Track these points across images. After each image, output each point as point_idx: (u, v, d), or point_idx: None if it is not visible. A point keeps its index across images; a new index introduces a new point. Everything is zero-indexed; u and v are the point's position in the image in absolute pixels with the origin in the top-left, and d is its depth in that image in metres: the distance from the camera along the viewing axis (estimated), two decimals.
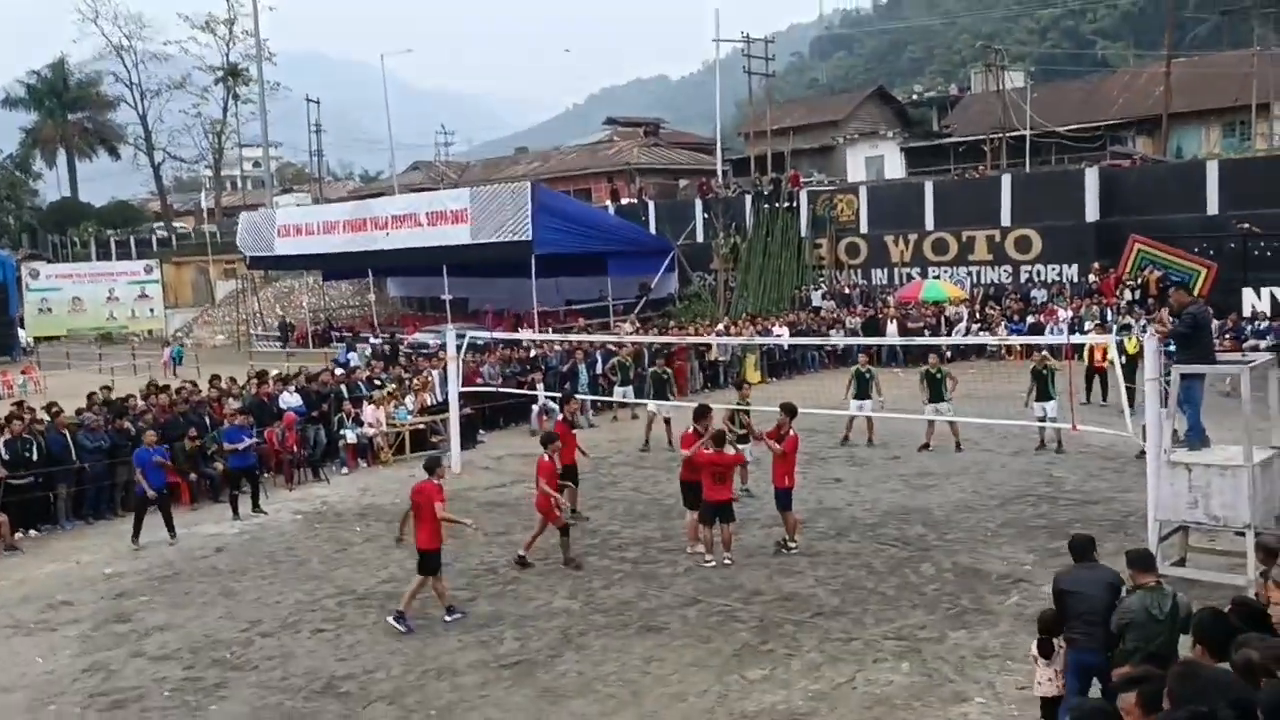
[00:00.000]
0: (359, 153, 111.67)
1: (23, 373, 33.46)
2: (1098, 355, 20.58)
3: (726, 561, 12.31)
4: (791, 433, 12.77)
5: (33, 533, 15.68)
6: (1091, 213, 31.77)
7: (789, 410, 12.90)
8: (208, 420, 17.97)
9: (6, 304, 45.98)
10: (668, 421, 19.21)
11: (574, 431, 15.16)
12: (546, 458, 12.70)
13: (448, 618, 10.92)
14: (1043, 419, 17.43)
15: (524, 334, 26.10)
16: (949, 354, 19.42)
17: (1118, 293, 29.60)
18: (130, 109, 70.68)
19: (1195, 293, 24.34)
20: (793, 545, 12.65)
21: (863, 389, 18.70)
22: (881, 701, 8.58)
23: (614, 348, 23.72)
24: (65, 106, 72.06)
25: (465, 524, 11.74)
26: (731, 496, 12.76)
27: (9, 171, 71.37)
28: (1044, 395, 17.43)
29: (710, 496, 12.37)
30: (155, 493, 14.75)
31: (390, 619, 10.77)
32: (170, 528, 14.90)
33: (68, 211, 72.24)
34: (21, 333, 46.62)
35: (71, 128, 71.90)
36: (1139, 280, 29.71)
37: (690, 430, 13.22)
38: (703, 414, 13.36)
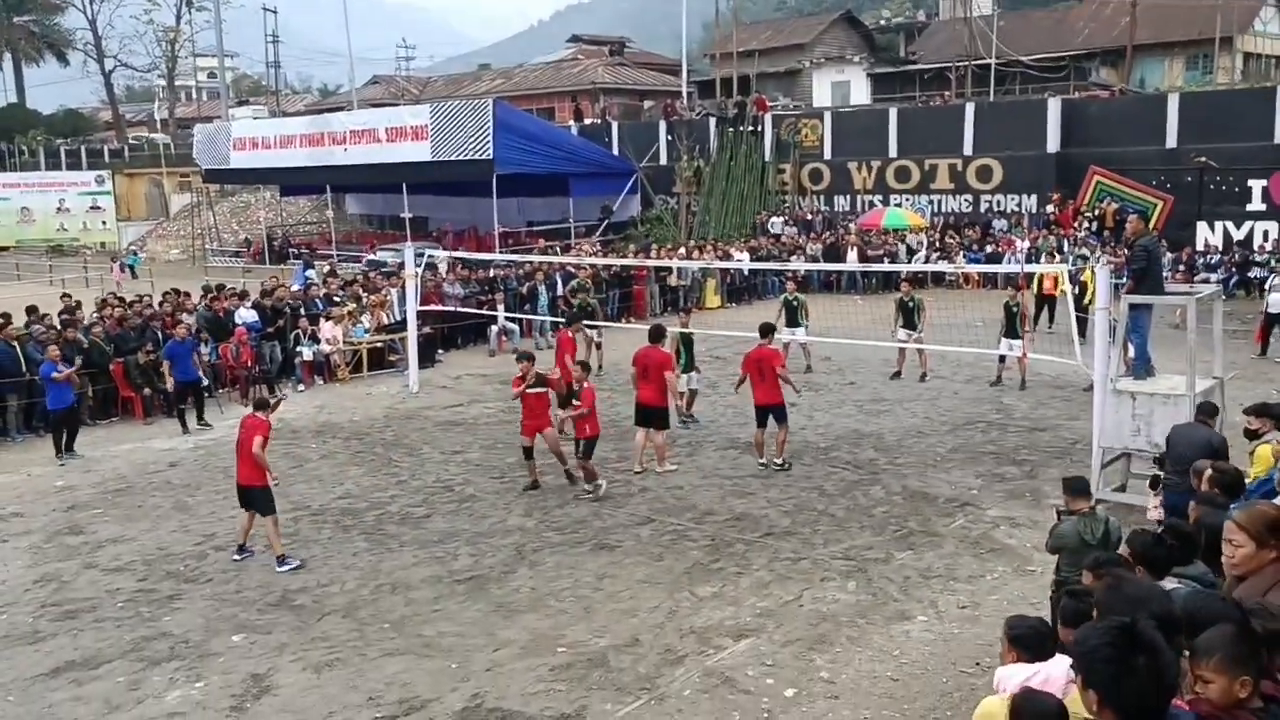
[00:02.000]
0: (318, 66, 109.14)
1: None
2: (1048, 283, 20.77)
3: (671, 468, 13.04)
4: (587, 384, 12.49)
5: None
6: (1053, 143, 31.85)
7: (584, 367, 13.17)
8: (160, 336, 17.76)
9: None
10: (599, 346, 19.16)
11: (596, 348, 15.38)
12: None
13: (235, 555, 10.55)
14: (1004, 358, 17.19)
15: (484, 254, 25.92)
16: (902, 283, 19.37)
17: (1075, 224, 29.85)
18: (79, 13, 68.52)
19: (1151, 226, 24.59)
20: (596, 486, 12.22)
21: (791, 317, 18.45)
22: (827, 619, 8.79)
23: (574, 269, 23.64)
24: (10, 8, 69.46)
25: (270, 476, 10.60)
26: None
27: None
28: (1012, 333, 17.00)
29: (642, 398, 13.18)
30: (59, 411, 14.67)
31: (278, 569, 10.23)
32: (70, 446, 14.78)
33: (14, 118, 70.03)
34: None
35: (17, 30, 69.44)
36: (1096, 211, 29.97)
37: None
38: (658, 335, 13.46)
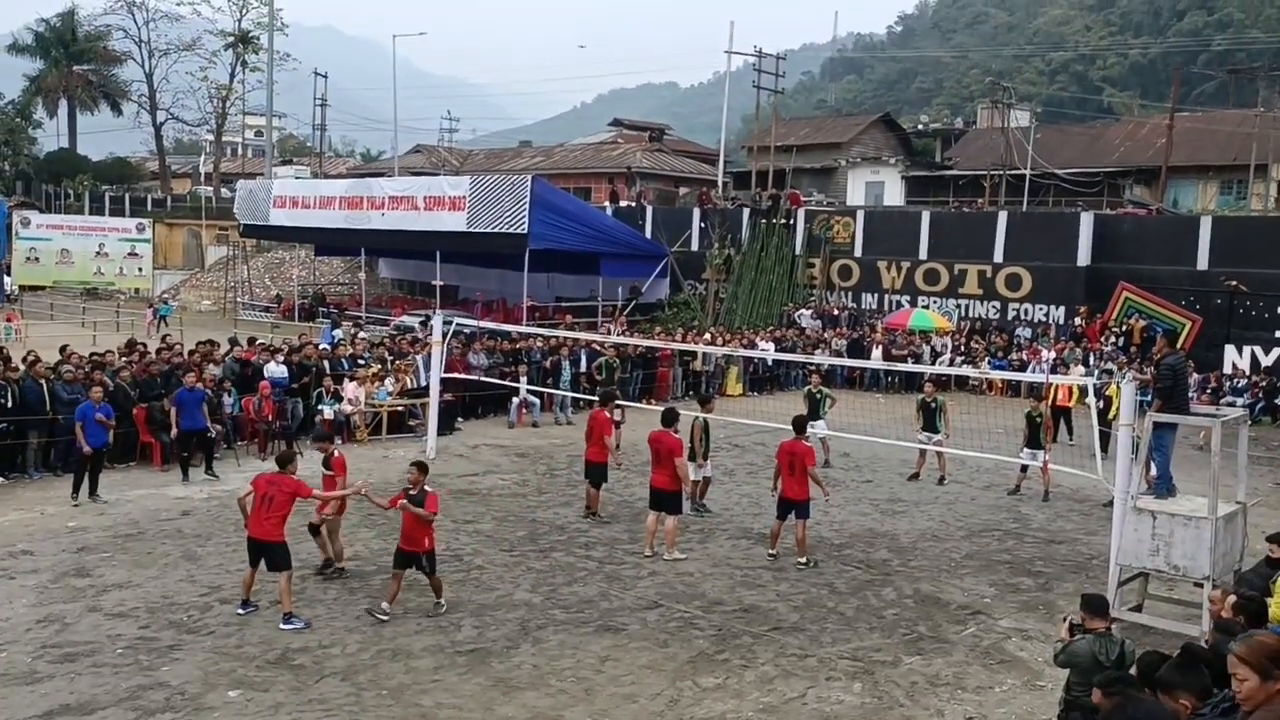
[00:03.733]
0: (363, 131, 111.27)
1: (7, 319, 33.24)
2: (1061, 395, 20.66)
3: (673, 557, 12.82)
4: (429, 490, 10.82)
5: (0, 480, 15.62)
6: (1084, 257, 31.98)
7: (421, 467, 11.03)
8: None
9: None
10: (618, 425, 19.01)
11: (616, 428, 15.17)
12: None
13: (240, 609, 10.55)
14: (1026, 467, 17.08)
15: (510, 326, 26.10)
16: (925, 384, 19.30)
17: (1102, 338, 29.83)
18: (137, 66, 70.34)
19: (1179, 345, 24.54)
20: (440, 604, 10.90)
21: (813, 410, 18.22)
22: (830, 719, 8.63)
23: (599, 347, 23.76)
24: (71, 57, 71.56)
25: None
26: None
27: (9, 117, 70.82)
28: (1034, 443, 16.95)
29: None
30: (91, 449, 14.69)
31: (282, 625, 10.21)
32: (94, 490, 14.79)
33: (65, 162, 71.73)
34: (6, 279, 46.32)
35: (76, 79, 71.42)
36: (1124, 327, 29.96)
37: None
38: (671, 419, 13.43)
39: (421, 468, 10.96)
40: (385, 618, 10.44)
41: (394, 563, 10.78)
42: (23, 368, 16.75)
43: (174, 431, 16.23)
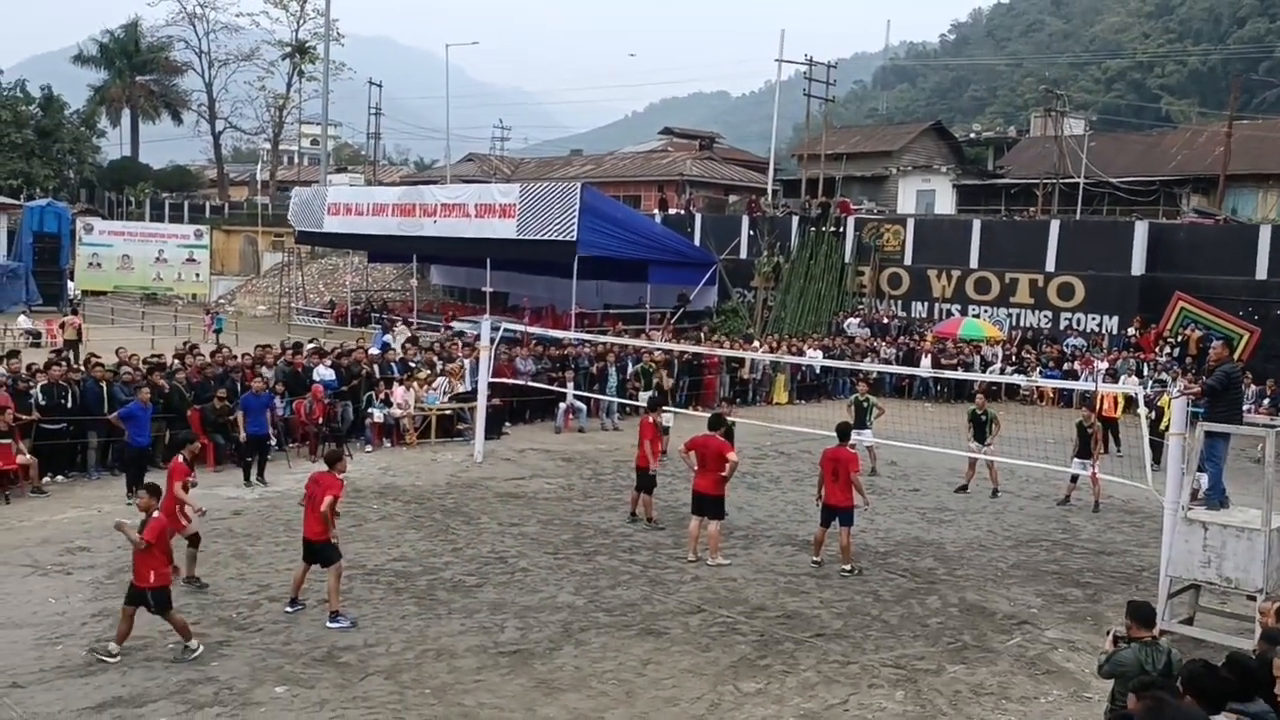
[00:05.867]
0: (417, 140, 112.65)
1: (59, 326, 33.93)
2: (1107, 405, 20.37)
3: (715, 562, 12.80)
4: (156, 514, 9.62)
5: (60, 478, 16.02)
6: (1138, 266, 31.51)
7: (152, 490, 9.92)
8: (237, 386, 18.22)
9: (58, 255, 46.71)
10: (665, 431, 18.98)
11: (662, 435, 15.12)
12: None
13: (288, 607, 10.70)
14: (1076, 478, 16.98)
15: (557, 331, 26.23)
16: (976, 395, 19.07)
17: (1156, 348, 29.36)
18: (197, 76, 71.86)
19: (1235, 356, 24.11)
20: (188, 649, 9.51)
21: (860, 418, 18.15)
22: None
23: (644, 353, 23.80)
24: (134, 68, 73.25)
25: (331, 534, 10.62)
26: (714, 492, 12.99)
27: (74, 127, 72.55)
28: (1085, 453, 16.79)
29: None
30: (136, 449, 15.00)
31: (329, 624, 10.34)
32: (136, 485, 15.00)
33: (127, 171, 73.41)
34: (70, 285, 47.35)
35: (138, 89, 73.08)
36: (1180, 338, 29.47)
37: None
38: (717, 423, 13.44)
39: (153, 490, 9.86)
40: (112, 660, 9.26)
41: (125, 599, 9.58)
42: (83, 369, 17.16)
43: (241, 436, 16.47)
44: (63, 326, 30.95)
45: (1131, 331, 30.51)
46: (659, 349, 23.50)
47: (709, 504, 12.97)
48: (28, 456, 15.28)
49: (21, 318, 35.30)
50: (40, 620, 10.23)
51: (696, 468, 13.09)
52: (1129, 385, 21.19)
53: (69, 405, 16.24)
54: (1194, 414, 12.81)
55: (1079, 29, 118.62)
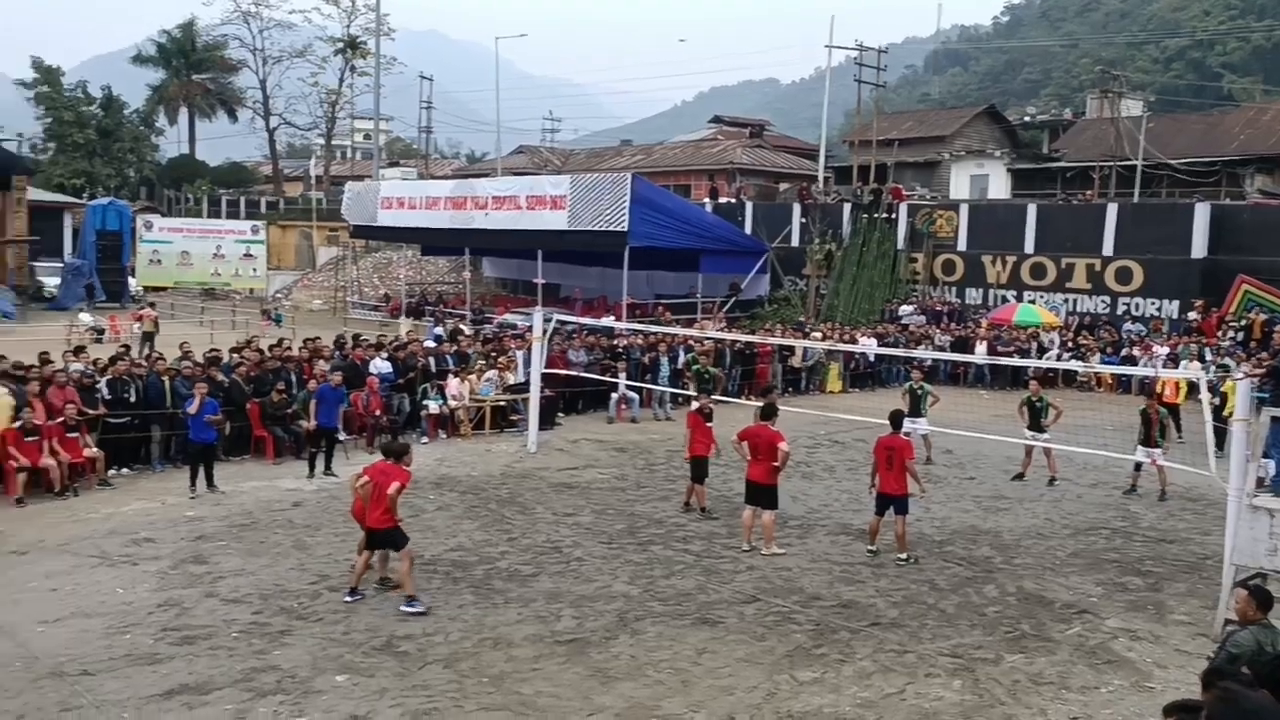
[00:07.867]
0: (468, 133, 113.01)
1: (136, 319, 34.59)
2: (1169, 391, 19.99)
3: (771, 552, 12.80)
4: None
5: (125, 471, 16.39)
6: (1199, 249, 30.90)
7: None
8: (294, 379, 18.50)
9: (120, 252, 47.67)
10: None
11: (708, 425, 15.01)
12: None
13: (347, 597, 10.84)
14: (1140, 465, 16.68)
15: (608, 320, 26.29)
16: (1030, 381, 18.78)
17: (1219, 333, 28.77)
18: (251, 74, 72.87)
19: None
20: None
21: (915, 406, 18.01)
22: (929, 716, 8.55)
23: (695, 344, 23.80)
24: (191, 67, 74.53)
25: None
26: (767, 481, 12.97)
27: (134, 126, 73.97)
28: (1149, 441, 16.45)
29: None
30: (198, 445, 15.20)
31: (403, 608, 10.57)
32: (210, 479, 15.29)
33: (185, 168, 74.75)
34: (131, 281, 48.33)
35: (195, 88, 74.32)
36: (1243, 322, 28.85)
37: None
38: (770, 413, 13.40)
39: (405, 450, 10.68)
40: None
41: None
42: (145, 364, 17.53)
43: (311, 424, 16.69)
44: (139, 319, 31.53)
45: (1193, 316, 29.92)
46: (709, 338, 23.47)
47: (763, 493, 12.97)
48: (95, 450, 15.67)
49: (84, 314, 36.07)
50: (108, 610, 10.48)
51: (749, 457, 13.10)
52: (1190, 370, 20.81)
53: (132, 400, 16.60)
54: (1259, 399, 12.54)
55: (1136, 8, 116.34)
